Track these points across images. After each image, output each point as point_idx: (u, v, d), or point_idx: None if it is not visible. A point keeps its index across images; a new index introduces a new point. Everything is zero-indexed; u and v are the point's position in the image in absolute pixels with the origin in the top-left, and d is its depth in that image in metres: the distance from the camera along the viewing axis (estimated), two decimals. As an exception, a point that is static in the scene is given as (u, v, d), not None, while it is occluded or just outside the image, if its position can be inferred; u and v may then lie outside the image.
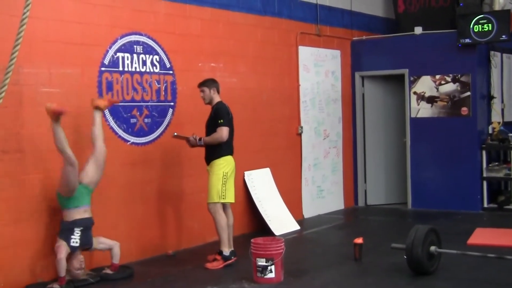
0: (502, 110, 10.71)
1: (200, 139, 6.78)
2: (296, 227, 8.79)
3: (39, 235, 6.08)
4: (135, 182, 7.05)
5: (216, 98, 6.86)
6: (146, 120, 7.20)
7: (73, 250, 5.93)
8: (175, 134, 7.00)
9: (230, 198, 6.81)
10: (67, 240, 5.90)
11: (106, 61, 6.74)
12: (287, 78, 9.42)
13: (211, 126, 6.78)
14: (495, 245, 7.10)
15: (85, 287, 5.99)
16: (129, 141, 7.01)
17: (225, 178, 6.71)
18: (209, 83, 6.88)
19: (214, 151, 6.75)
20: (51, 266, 6.09)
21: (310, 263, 7.05)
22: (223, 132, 6.67)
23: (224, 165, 6.73)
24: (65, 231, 5.92)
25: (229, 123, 6.77)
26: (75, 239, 5.93)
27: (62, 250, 5.82)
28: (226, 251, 6.73)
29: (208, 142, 6.76)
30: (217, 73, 8.05)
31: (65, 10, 6.39)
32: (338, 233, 8.83)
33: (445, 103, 10.03)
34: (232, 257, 6.75)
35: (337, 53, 10.45)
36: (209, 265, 6.68)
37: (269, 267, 5.96)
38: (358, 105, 10.81)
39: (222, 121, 6.68)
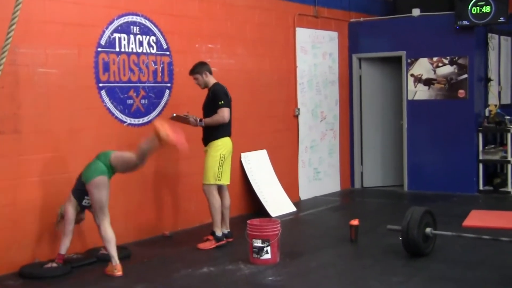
0: (499, 92, 10.71)
1: (200, 120, 6.73)
2: (293, 208, 8.81)
3: (35, 215, 6.09)
4: (132, 163, 7.04)
5: (211, 80, 6.81)
6: (142, 101, 7.19)
7: (81, 209, 5.98)
8: (174, 115, 6.83)
9: (225, 180, 6.82)
10: (80, 200, 5.89)
11: (102, 42, 6.71)
12: (285, 60, 9.39)
13: (210, 108, 6.73)
14: (490, 227, 7.13)
15: (82, 267, 6.02)
16: (125, 122, 7.00)
17: (222, 160, 6.71)
18: (199, 68, 6.79)
19: (213, 132, 6.72)
20: (48, 247, 6.12)
21: (306, 245, 7.08)
22: (224, 113, 6.64)
23: (222, 147, 6.73)
24: (80, 191, 5.89)
25: (229, 104, 6.75)
26: (88, 200, 5.91)
27: (70, 220, 5.80)
28: (219, 232, 6.76)
29: (209, 124, 6.70)
30: (214, 55, 8.03)
31: (62, -10, 6.36)
32: (335, 215, 8.87)
33: (442, 85, 10.02)
34: (225, 239, 6.77)
35: (334, 35, 10.42)
36: (201, 245, 6.71)
37: (265, 248, 5.99)
38: (355, 87, 10.80)
39: (222, 102, 6.64)
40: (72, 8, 6.43)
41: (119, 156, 5.93)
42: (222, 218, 6.94)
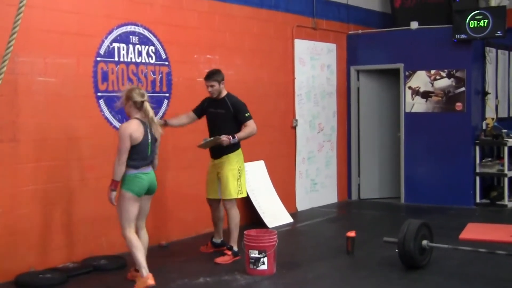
0: (496, 106, 10.74)
1: (234, 137, 6.50)
2: (289, 219, 8.81)
3: (32, 224, 6.08)
4: (129, 172, 7.03)
5: (223, 91, 6.71)
6: (141, 111, 7.18)
7: None
8: (207, 139, 6.57)
9: (244, 192, 6.78)
10: None
11: (101, 51, 6.73)
12: (283, 71, 9.42)
13: (230, 120, 6.59)
14: (487, 240, 7.14)
15: (78, 276, 6.01)
16: (124, 131, 6.99)
17: (239, 173, 6.66)
18: (218, 76, 6.64)
19: (228, 146, 6.57)
20: (44, 256, 6.11)
21: (303, 256, 7.08)
22: (254, 125, 6.61)
23: (237, 159, 6.67)
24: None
25: None
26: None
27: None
28: (236, 247, 6.66)
29: (242, 138, 6.60)
30: (212, 65, 8.03)
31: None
32: (331, 226, 8.86)
33: (440, 98, 10.06)
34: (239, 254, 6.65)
35: (333, 46, 10.46)
36: (218, 260, 6.55)
37: (261, 259, 5.98)
38: (353, 99, 10.83)
39: (248, 114, 6.60)
40: (72, 18, 6.45)
41: None
42: (216, 228, 6.97)
